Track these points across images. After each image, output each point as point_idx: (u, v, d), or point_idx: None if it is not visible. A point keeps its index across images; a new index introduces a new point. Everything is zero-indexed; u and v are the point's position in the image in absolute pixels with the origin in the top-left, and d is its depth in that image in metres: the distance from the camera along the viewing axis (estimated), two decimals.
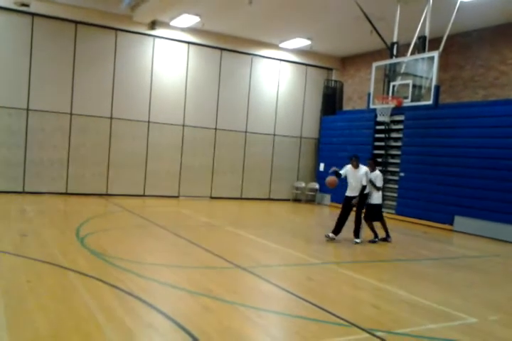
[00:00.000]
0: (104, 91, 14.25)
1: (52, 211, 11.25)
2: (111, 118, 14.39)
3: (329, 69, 18.02)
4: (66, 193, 13.86)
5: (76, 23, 13.64)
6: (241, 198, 16.62)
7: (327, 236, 9.21)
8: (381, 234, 9.65)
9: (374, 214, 9.49)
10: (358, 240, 9.18)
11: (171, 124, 15.32)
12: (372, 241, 9.41)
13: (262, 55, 16.55)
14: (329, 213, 15.32)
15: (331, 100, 17.80)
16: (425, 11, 10.20)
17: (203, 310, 4.73)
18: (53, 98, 13.61)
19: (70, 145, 13.87)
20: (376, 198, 9.44)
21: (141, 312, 4.56)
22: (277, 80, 17.11)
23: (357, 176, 9.05)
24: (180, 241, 8.33)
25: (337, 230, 9.23)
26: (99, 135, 14.27)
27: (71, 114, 13.83)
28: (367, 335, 4.31)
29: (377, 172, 9.49)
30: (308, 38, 15.13)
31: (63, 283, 5.28)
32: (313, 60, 17.46)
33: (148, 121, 14.96)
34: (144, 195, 14.97)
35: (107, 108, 14.33)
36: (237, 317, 4.63)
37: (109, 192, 14.45)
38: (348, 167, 9.22)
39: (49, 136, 13.62)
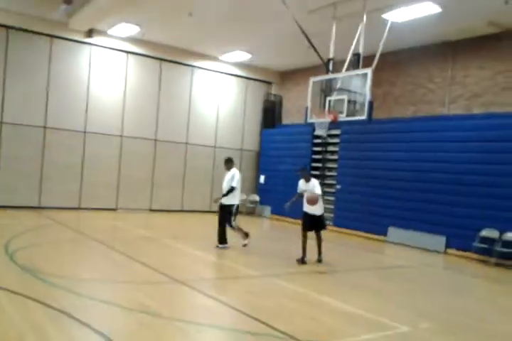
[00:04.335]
0: (37, 100, 13.68)
1: None
2: (44, 127, 13.84)
3: (269, 83, 18.31)
4: None
5: (7, 28, 13.08)
6: (182, 210, 16.42)
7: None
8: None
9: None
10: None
11: (109, 135, 14.95)
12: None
13: (203, 66, 16.56)
14: (270, 225, 15.46)
15: (271, 113, 18.08)
16: (359, 30, 10.61)
17: (140, 326, 4.62)
18: None
19: (1, 156, 13.19)
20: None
21: (74, 331, 4.39)
22: (218, 92, 17.16)
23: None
24: (115, 256, 8.11)
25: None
26: (32, 145, 13.65)
27: (1, 122, 13.19)
28: None
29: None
30: (248, 52, 15.33)
31: None
32: (253, 74, 17.68)
33: (85, 131, 14.51)
34: (79, 208, 14.44)
35: (41, 117, 13.76)
36: (175, 333, 4.56)
37: (42, 204, 13.83)
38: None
39: None
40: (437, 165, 11.67)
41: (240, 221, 15.77)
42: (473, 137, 11.11)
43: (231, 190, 9.30)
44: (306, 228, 8.78)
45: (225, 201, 9.40)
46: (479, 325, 5.71)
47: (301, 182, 8.88)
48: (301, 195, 8.83)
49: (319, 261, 8.82)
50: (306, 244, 8.61)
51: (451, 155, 11.41)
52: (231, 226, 9.48)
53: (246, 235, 9.63)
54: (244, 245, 9.56)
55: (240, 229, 9.63)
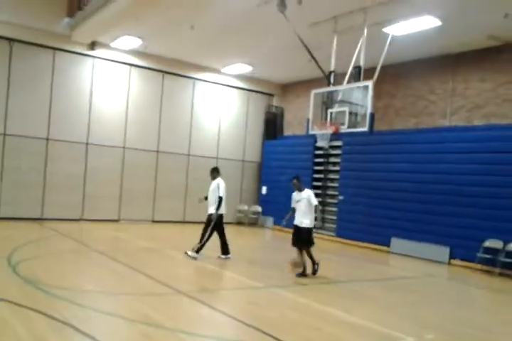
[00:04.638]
0: (40, 112, 13.75)
1: None
2: (47, 139, 13.91)
3: (270, 95, 18.42)
4: None
5: (11, 40, 13.22)
6: (184, 222, 16.40)
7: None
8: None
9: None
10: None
11: (111, 146, 15.01)
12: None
13: (205, 79, 16.69)
14: (272, 236, 15.43)
15: (273, 125, 18.16)
16: (360, 43, 10.72)
17: (143, 338, 4.61)
18: None
19: (4, 167, 13.25)
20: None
21: None
22: (220, 104, 17.27)
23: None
24: (118, 267, 8.10)
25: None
26: (35, 156, 13.71)
27: (5, 134, 13.26)
28: None
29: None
30: (250, 64, 15.45)
31: None
32: (255, 86, 17.80)
33: (87, 143, 14.58)
34: (81, 219, 14.45)
35: (44, 128, 13.84)
36: None
37: (45, 216, 13.83)
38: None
39: None
40: (439, 177, 11.68)
41: (243, 231, 15.83)
42: (474, 148, 11.15)
43: (220, 201, 9.28)
44: (293, 242, 8.52)
45: (210, 210, 9.39)
46: (483, 335, 5.69)
47: (295, 194, 8.70)
48: (294, 210, 8.61)
49: (315, 271, 8.40)
50: (303, 258, 8.40)
51: (453, 167, 11.43)
52: (204, 233, 9.31)
53: (200, 248, 9.26)
54: (192, 257, 9.14)
55: (204, 240, 9.31)
